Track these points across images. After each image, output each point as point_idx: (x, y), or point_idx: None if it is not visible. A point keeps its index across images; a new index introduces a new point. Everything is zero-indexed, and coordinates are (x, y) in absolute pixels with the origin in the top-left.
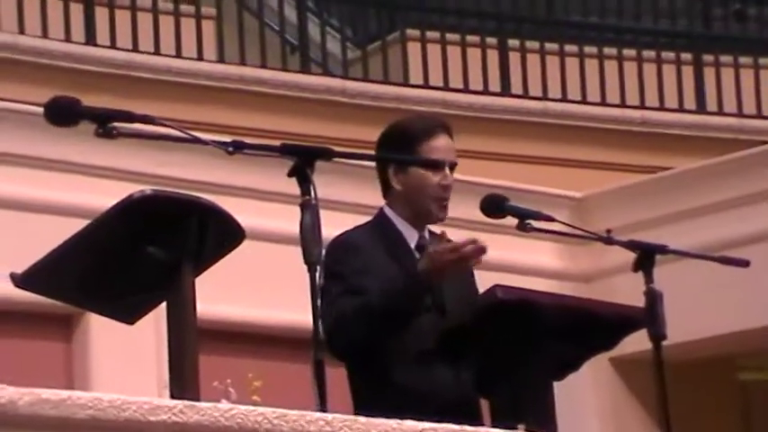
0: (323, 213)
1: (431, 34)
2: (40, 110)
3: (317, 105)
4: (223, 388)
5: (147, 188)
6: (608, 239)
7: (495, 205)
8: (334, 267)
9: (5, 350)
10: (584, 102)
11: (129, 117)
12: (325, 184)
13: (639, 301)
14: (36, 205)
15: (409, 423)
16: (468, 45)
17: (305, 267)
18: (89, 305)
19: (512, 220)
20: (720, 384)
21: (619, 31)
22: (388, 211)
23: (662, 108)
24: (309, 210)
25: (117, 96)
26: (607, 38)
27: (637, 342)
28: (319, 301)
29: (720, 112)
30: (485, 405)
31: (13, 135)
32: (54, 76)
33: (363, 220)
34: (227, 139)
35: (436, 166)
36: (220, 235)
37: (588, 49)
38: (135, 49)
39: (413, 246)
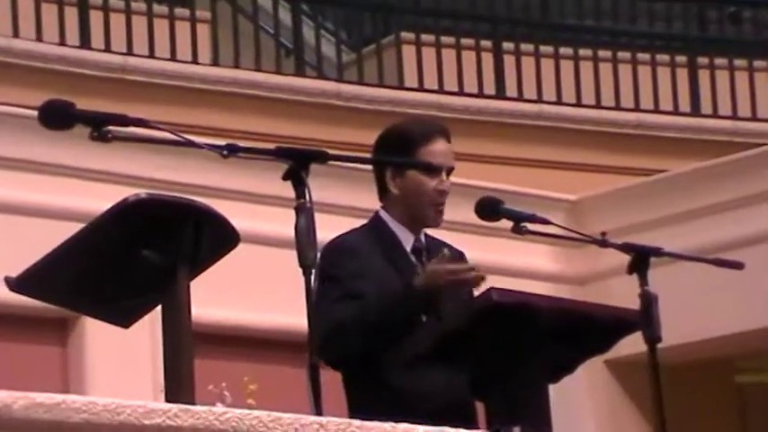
0: (318, 216)
1: (426, 37)
2: (35, 113)
3: (311, 108)
4: (218, 391)
5: (142, 191)
6: (603, 242)
7: (490, 208)
8: (330, 270)
9: (0, 354)
10: (578, 104)
11: (124, 120)
12: (320, 188)
13: (634, 304)
14: (30, 209)
15: (404, 426)
16: (462, 48)
17: (300, 271)
18: (84, 309)
19: (507, 223)
20: (716, 387)
21: (614, 33)
22: (383, 215)
23: (657, 111)
24: (304, 213)
25: (111, 100)
26: (602, 41)
27: (632, 344)
28: (314, 304)
29: (715, 115)
30: (480, 408)
31: (7, 138)
32: (48, 79)
33: (358, 223)
34: (222, 142)
35: (433, 170)
36: (215, 238)
37: (583, 52)
38: (129, 53)
39: (408, 249)
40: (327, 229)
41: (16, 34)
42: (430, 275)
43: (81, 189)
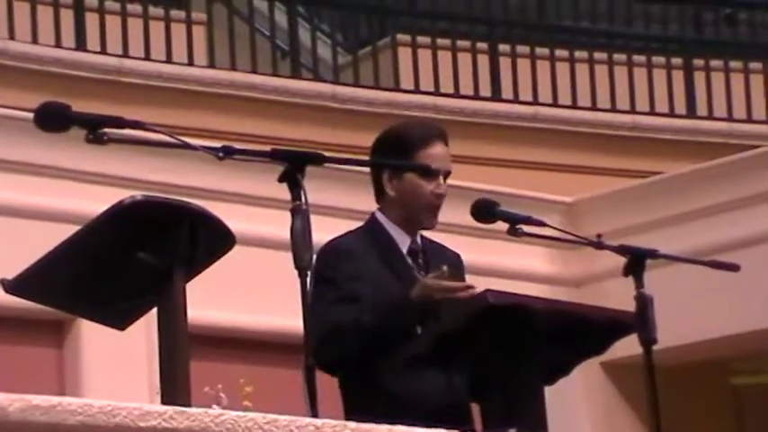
0: (313, 219)
1: (422, 39)
2: (31, 115)
3: (307, 110)
4: (214, 393)
5: (138, 194)
6: (599, 244)
7: (485, 210)
8: (326, 273)
9: None
10: (574, 106)
11: (120, 123)
12: (316, 190)
13: (630, 306)
14: (26, 211)
15: (400, 428)
16: (458, 50)
17: (296, 273)
18: (80, 311)
19: (502, 225)
20: (712, 389)
21: (610, 35)
22: (380, 216)
23: (652, 113)
24: (300, 215)
25: (107, 102)
26: (598, 43)
27: (628, 346)
28: (310, 306)
29: (711, 117)
30: (476, 410)
31: (3, 141)
32: (44, 81)
33: (354, 225)
34: (218, 144)
35: (430, 174)
36: (211, 240)
37: (579, 54)
38: (125, 55)
39: (405, 251)
40: (323, 231)
41: (12, 36)
42: (426, 289)
43: (77, 191)
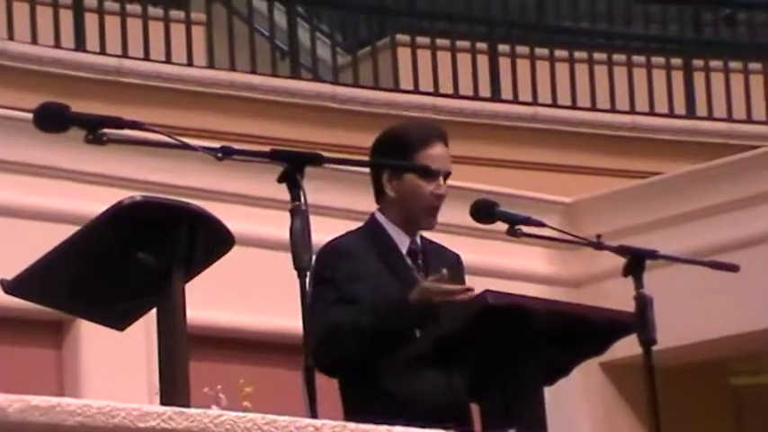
0: (313, 219)
1: (421, 39)
2: (30, 116)
3: (307, 111)
4: (213, 394)
5: (137, 194)
6: (598, 244)
7: (485, 210)
8: (325, 273)
9: None
10: (574, 107)
11: (119, 123)
12: (315, 190)
13: (630, 306)
14: (26, 211)
15: (399, 429)
16: (458, 50)
17: (295, 273)
18: (79, 311)
19: (502, 226)
20: (712, 389)
21: (609, 36)
22: (379, 217)
23: (652, 113)
24: (299, 215)
25: (106, 102)
26: (597, 43)
27: (627, 347)
28: (309, 307)
29: (710, 117)
30: (475, 410)
31: (2, 141)
32: (43, 82)
33: (353, 225)
34: (217, 144)
35: (430, 174)
36: (210, 241)
37: (578, 55)
38: (125, 55)
39: (404, 251)
40: (322, 231)
41: (11, 37)
42: (425, 292)
43: (76, 192)
